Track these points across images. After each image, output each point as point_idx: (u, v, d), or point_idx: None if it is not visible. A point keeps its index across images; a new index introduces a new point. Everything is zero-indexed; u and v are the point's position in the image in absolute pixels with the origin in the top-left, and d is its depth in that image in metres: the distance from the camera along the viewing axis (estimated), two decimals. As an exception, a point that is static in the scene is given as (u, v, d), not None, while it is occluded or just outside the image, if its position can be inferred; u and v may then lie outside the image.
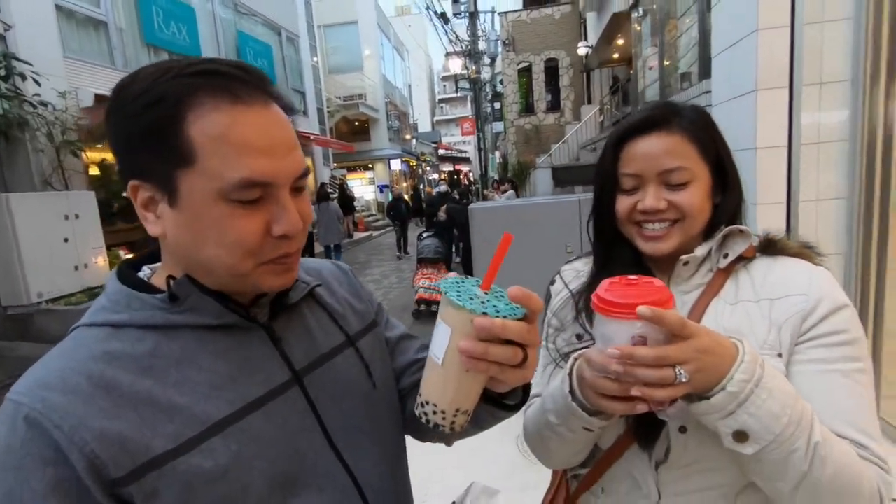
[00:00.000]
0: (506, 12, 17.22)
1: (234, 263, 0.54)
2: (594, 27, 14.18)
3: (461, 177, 35.48)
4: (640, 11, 9.97)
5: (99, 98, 6.84)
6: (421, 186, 24.40)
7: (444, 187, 7.09)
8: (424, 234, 6.59)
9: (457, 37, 15.98)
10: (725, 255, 0.77)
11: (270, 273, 0.56)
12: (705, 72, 6.02)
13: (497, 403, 0.62)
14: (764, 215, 2.30)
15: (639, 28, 10.23)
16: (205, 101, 0.51)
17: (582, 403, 0.69)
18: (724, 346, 0.60)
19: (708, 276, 0.78)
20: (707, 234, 0.79)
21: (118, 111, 0.53)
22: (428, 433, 0.79)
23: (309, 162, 13.32)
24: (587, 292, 0.86)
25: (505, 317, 0.50)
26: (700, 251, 0.76)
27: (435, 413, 0.55)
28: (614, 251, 0.84)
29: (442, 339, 0.53)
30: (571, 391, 0.70)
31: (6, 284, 5.71)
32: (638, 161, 0.77)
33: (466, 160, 43.01)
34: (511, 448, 2.83)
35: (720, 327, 0.73)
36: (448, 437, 0.76)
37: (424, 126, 39.55)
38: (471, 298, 0.51)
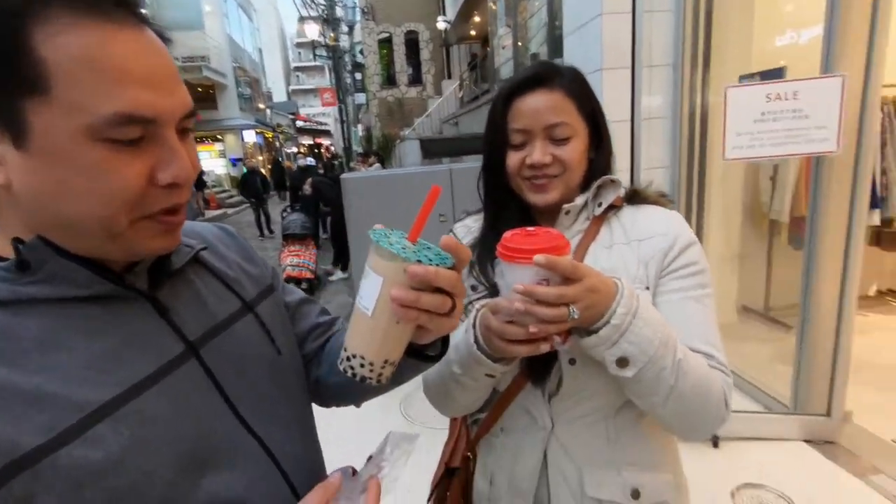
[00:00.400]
0: (364, -22, 16.67)
1: (108, 216, 0.44)
2: (452, 2, 14.42)
3: (323, 150, 34.06)
4: (495, -10, 10.38)
5: None
6: (280, 160, 22.90)
7: (306, 161, 6.76)
8: (289, 210, 6.24)
9: (312, 0, 15.04)
10: (599, 204, 0.86)
11: (150, 233, 0.48)
12: (555, 52, 6.53)
13: (419, 355, 0.62)
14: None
15: (494, 7, 10.67)
16: (61, 15, 0.41)
17: (486, 352, 0.73)
18: (607, 285, 0.67)
19: (585, 224, 0.87)
20: (584, 186, 0.87)
21: None
22: (330, 399, 0.78)
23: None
24: (480, 246, 0.90)
25: (437, 265, 0.50)
26: (579, 200, 0.84)
27: (363, 366, 0.54)
28: (504, 205, 0.89)
29: (372, 290, 0.51)
30: (476, 341, 0.73)
31: None
32: (526, 117, 0.81)
33: (327, 133, 41.36)
34: (395, 415, 2.89)
35: (599, 268, 0.81)
36: (361, 397, 0.75)
37: (279, 96, 36.96)
38: (403, 248, 0.51)
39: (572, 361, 0.80)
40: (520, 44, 9.04)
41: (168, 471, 0.48)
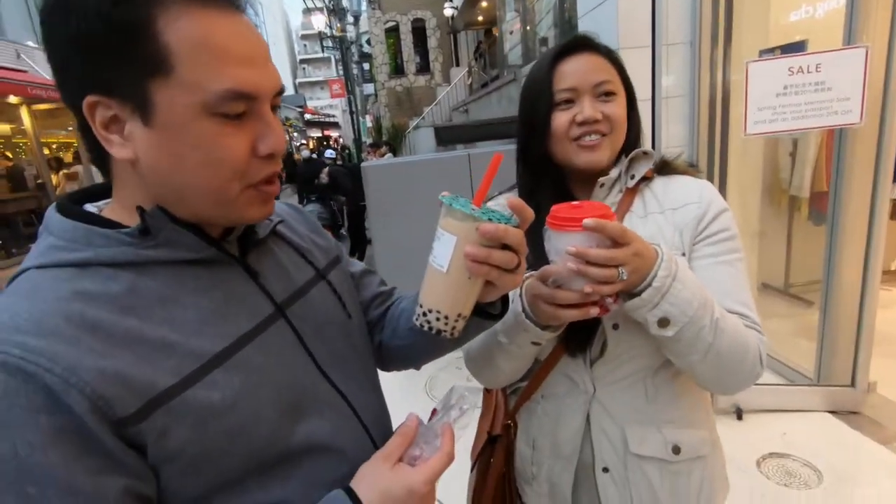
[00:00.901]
0: (368, -33, 16.55)
1: (220, 185, 0.50)
2: (458, -12, 14.29)
3: (332, 142, 34.15)
4: (503, -26, 10.26)
5: None
6: (291, 152, 23.02)
7: (306, 153, 6.94)
8: (305, 202, 6.31)
9: (318, -10, 15.01)
10: (632, 177, 0.89)
11: (253, 201, 0.53)
12: (564, 35, 6.48)
13: (483, 314, 0.67)
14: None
15: (502, -9, 10.57)
16: (176, 3, 0.46)
17: (533, 319, 0.77)
18: (649, 250, 0.71)
19: (619, 196, 0.90)
20: (616, 161, 0.90)
21: (69, 10, 0.45)
22: (392, 362, 0.84)
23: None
24: None
25: (505, 223, 0.55)
26: (613, 172, 0.88)
27: (438, 319, 0.59)
28: (541, 178, 0.92)
29: (446, 248, 0.56)
30: (523, 310, 0.77)
31: None
32: (574, 75, 0.84)
33: (335, 125, 41.37)
34: (421, 396, 2.96)
35: None
36: (422, 359, 0.81)
37: (287, 89, 36.89)
38: (473, 209, 0.55)
39: (615, 326, 0.84)
40: (528, 28, 8.96)
41: (272, 413, 0.54)
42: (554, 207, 0.70)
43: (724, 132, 2.33)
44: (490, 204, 1.05)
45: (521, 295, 0.78)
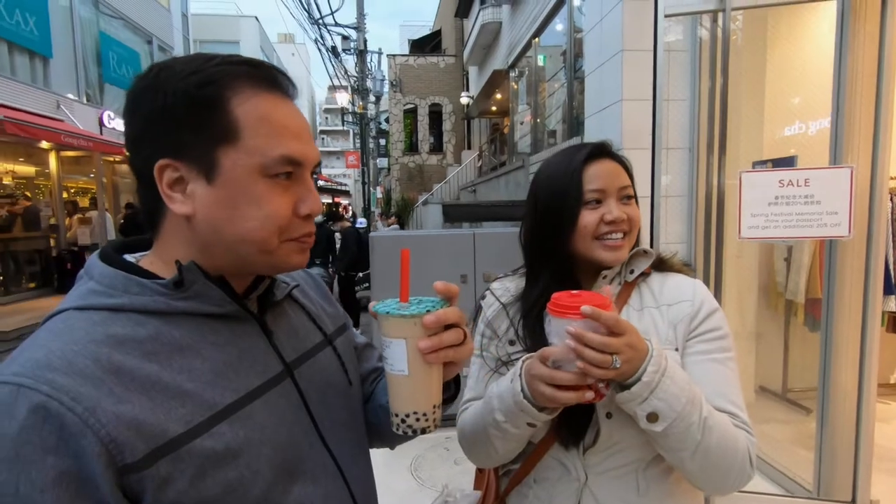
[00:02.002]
0: (394, 55, 17.90)
1: (265, 238, 0.56)
2: (475, 80, 15.35)
3: (341, 209, 34.96)
4: (517, 72, 11.08)
5: None
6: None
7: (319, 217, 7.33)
8: (311, 264, 6.39)
9: (345, 72, 16.13)
10: (631, 271, 0.95)
11: (293, 251, 0.60)
12: (572, 131, 6.89)
13: None
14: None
15: (515, 86, 11.35)
16: (247, 87, 0.56)
17: (531, 400, 0.78)
18: (642, 343, 0.75)
19: (618, 289, 0.95)
20: None
21: (157, 89, 0.54)
22: (373, 440, 0.84)
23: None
24: (523, 302, 0.98)
25: (440, 308, 0.60)
26: (616, 267, 0.93)
27: (418, 420, 0.61)
28: (551, 266, 0.96)
29: (399, 353, 0.59)
30: (522, 389, 0.79)
31: None
32: (601, 178, 0.91)
33: (346, 193, 42.65)
34: (404, 477, 2.84)
35: None
36: (399, 440, 0.82)
37: (304, 155, 38.43)
38: (407, 308, 0.60)
39: (609, 415, 0.85)
40: (539, 120, 9.53)
41: (269, 472, 0.55)
42: (555, 295, 0.75)
43: (720, 232, 2.43)
44: (494, 285, 1.10)
45: (520, 375, 0.80)
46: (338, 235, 6.65)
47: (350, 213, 23.07)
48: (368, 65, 16.21)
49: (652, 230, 2.21)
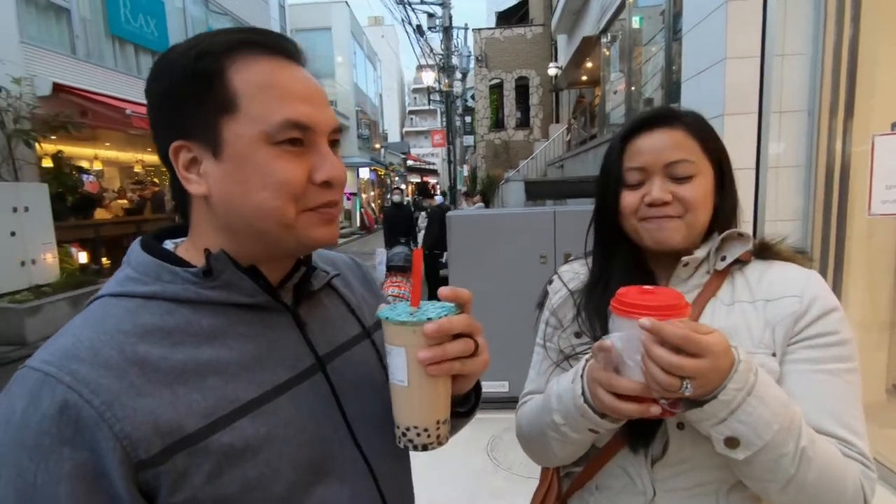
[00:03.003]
0: (479, 29, 17.56)
1: (279, 206, 0.53)
2: (564, 49, 14.63)
3: (430, 187, 35.60)
4: (609, 37, 10.37)
5: (58, 87, 6.54)
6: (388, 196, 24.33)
7: (397, 197, 7.41)
8: (395, 244, 6.56)
9: (431, 49, 16.15)
10: (723, 258, 0.80)
11: (314, 223, 0.56)
12: (670, 97, 6.31)
13: (453, 412, 0.64)
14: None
15: (607, 53, 10.63)
16: (246, 54, 0.53)
17: (592, 405, 0.70)
18: (728, 357, 0.61)
19: (705, 278, 0.81)
20: (705, 237, 0.82)
21: (164, 68, 0.54)
22: None
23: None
24: (587, 292, 0.88)
25: (445, 315, 0.53)
26: (700, 252, 0.79)
27: (419, 435, 0.56)
28: (614, 251, 0.86)
29: (399, 362, 0.54)
30: (583, 392, 0.71)
31: (-57, 279, 5.34)
32: (643, 154, 0.79)
33: (434, 172, 43.24)
34: (481, 457, 2.84)
35: (716, 326, 0.76)
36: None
37: (394, 136, 39.55)
38: (410, 314, 0.54)
39: (680, 426, 0.74)
40: (633, 88, 8.87)
41: (291, 471, 0.53)
42: (622, 290, 0.65)
43: (843, 208, 2.09)
44: (563, 269, 1.01)
45: (581, 376, 0.72)
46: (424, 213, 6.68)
47: (438, 191, 23.39)
48: (454, 41, 16.09)
49: (756, 207, 1.95)
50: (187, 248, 0.60)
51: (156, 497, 0.47)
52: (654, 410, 0.62)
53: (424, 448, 0.57)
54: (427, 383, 0.54)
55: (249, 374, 0.54)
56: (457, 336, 0.54)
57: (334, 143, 0.58)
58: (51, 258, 6.31)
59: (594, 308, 0.85)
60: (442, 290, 0.56)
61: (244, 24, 12.73)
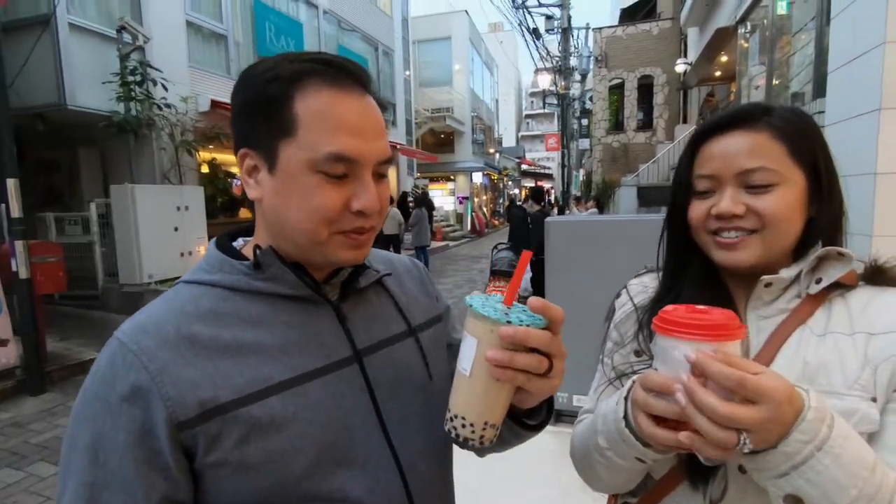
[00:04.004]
0: (600, 28, 16.85)
1: (311, 228, 0.58)
2: (695, 43, 13.48)
3: (545, 192, 35.01)
4: (748, 27, 9.34)
5: (215, 103, 7.58)
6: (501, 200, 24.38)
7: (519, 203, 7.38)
8: (500, 247, 6.56)
9: (548, 52, 15.87)
10: (818, 281, 0.68)
11: (343, 245, 0.61)
12: (819, 91, 5.50)
13: (519, 422, 0.64)
14: (881, 250, 2.04)
15: (745, 45, 9.59)
16: (311, 83, 0.58)
17: (634, 430, 0.64)
18: (793, 405, 0.51)
19: (794, 302, 0.70)
20: (799, 253, 0.71)
21: (243, 84, 0.61)
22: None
23: (393, 171, 13.85)
24: (652, 307, 0.80)
25: (527, 325, 0.52)
26: (787, 273, 0.69)
27: (464, 426, 0.56)
28: (686, 265, 0.78)
29: (469, 351, 0.55)
30: (625, 416, 0.65)
31: (125, 265, 6.47)
32: (714, 160, 0.70)
33: (549, 176, 42.41)
34: (570, 471, 2.72)
35: (801, 360, 0.65)
36: (478, 451, 0.75)
37: (509, 141, 39.56)
38: (494, 310, 0.53)
39: (742, 469, 0.65)
40: (777, 82, 7.89)
41: (313, 451, 0.57)
42: (670, 307, 0.59)
43: None
44: (632, 281, 0.94)
45: (626, 397, 0.66)
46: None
47: (553, 196, 22.90)
48: (574, 42, 15.65)
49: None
50: (250, 246, 0.67)
51: (194, 455, 0.55)
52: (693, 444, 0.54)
53: (465, 442, 0.57)
54: (488, 382, 0.54)
55: (286, 358, 0.59)
56: (533, 350, 0.53)
57: (381, 176, 0.62)
58: (203, 250, 7.30)
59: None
60: (532, 301, 0.54)
61: (372, 38, 13.65)
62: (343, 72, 0.59)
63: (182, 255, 6.92)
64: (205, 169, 8.43)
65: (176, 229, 6.84)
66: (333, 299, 0.66)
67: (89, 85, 6.32)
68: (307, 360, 0.60)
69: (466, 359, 0.55)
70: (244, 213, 9.71)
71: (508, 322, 0.52)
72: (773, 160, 0.67)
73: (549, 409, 0.69)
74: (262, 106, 0.58)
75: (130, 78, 6.46)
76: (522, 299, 0.56)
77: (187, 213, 6.99)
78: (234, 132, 0.63)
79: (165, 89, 6.66)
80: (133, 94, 6.47)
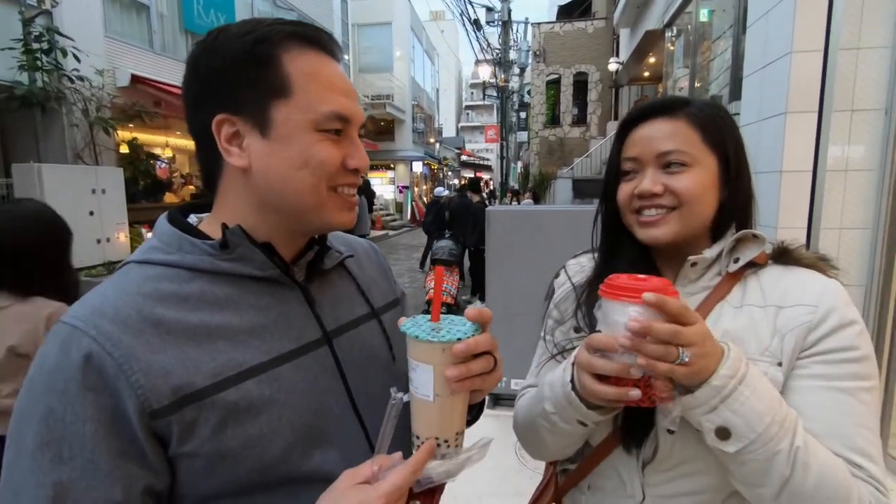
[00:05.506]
0: (539, 23, 17.23)
1: (314, 183, 0.59)
2: (626, 43, 14.12)
3: (482, 184, 35.52)
4: (674, 31, 9.90)
5: (135, 79, 7.02)
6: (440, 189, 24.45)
7: (445, 192, 7.51)
8: (442, 236, 6.60)
9: (489, 44, 16.04)
10: (736, 260, 0.76)
11: (339, 206, 0.61)
12: (735, 94, 5.96)
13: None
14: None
15: (671, 48, 10.17)
16: (296, 46, 0.58)
17: (579, 393, 0.69)
18: (715, 345, 0.62)
19: (715, 280, 0.77)
20: (715, 233, 0.79)
21: (215, 50, 0.58)
22: None
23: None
24: (588, 287, 0.86)
25: (471, 335, 0.56)
26: (709, 253, 0.76)
27: (440, 446, 0.59)
28: (620, 245, 0.84)
29: (425, 377, 0.57)
30: (572, 380, 0.70)
31: (31, 251, 5.87)
32: (638, 144, 0.78)
33: (488, 168, 43.06)
34: (509, 455, 2.82)
35: (720, 329, 0.73)
36: None
37: (449, 131, 39.70)
38: (436, 332, 0.56)
39: (671, 432, 0.71)
40: (698, 85, 8.44)
41: (290, 434, 0.57)
42: (611, 276, 0.65)
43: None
44: (570, 262, 0.99)
45: (572, 363, 0.71)
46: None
47: (491, 188, 23.28)
48: (514, 36, 15.89)
49: (811, 211, 1.81)
50: (209, 223, 0.64)
51: (167, 446, 0.52)
52: (634, 394, 0.62)
53: (443, 458, 0.59)
54: (451, 398, 0.58)
55: (257, 342, 0.58)
56: (479, 354, 0.57)
57: (359, 136, 0.64)
58: (123, 237, 6.80)
59: (594, 303, 0.82)
60: (469, 312, 0.59)
61: (308, 19, 13.20)
62: (322, 38, 0.61)
63: (99, 241, 6.40)
64: (124, 149, 7.80)
65: (91, 213, 6.31)
66: (300, 280, 0.65)
67: (-16, 50, 5.66)
68: (279, 342, 0.59)
69: (425, 385, 0.57)
70: (169, 198, 9.12)
71: (459, 339, 0.55)
72: (688, 144, 0.75)
73: (480, 406, 0.74)
74: (245, 69, 0.57)
75: (35, 45, 5.84)
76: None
77: (104, 197, 6.46)
78: (198, 100, 0.60)
79: (78, 60, 6.07)
80: (39, 63, 5.86)
